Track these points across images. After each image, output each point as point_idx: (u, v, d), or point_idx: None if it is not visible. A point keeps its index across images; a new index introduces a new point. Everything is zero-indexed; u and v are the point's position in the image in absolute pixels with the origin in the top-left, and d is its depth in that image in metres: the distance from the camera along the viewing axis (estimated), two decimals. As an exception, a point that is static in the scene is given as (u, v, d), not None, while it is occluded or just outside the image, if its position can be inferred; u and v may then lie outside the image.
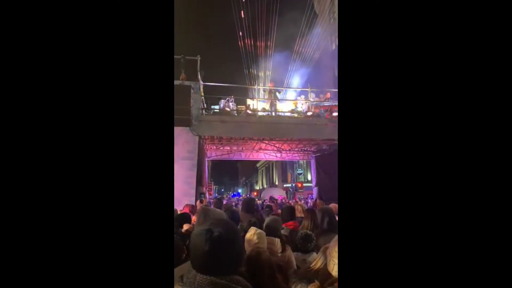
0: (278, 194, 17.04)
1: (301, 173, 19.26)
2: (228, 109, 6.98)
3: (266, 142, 8.40)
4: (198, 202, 5.37)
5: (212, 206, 4.06)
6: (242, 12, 10.91)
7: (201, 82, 6.69)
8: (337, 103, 7.54)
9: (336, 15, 14.85)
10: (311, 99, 7.52)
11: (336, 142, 7.74)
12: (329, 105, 7.52)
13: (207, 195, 7.66)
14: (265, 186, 27.17)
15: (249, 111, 7.06)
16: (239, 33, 11.56)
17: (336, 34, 15.45)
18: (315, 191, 9.33)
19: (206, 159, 9.21)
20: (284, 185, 21.04)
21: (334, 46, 15.88)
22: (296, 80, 12.38)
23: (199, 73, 6.62)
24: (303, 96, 7.99)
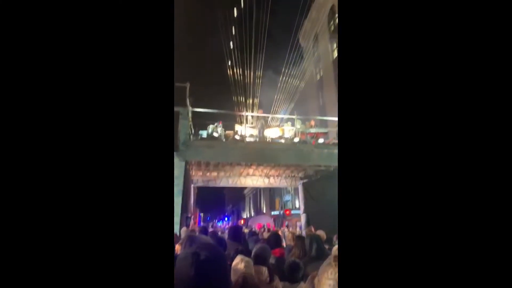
0: (266, 222, 16.65)
1: (288, 200, 19.03)
2: (216, 134, 7.01)
3: (254, 167, 8.39)
4: (184, 228, 5.15)
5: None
6: (231, 43, 11.44)
7: (190, 108, 6.77)
8: (322, 130, 7.78)
9: (319, 49, 15.96)
10: (298, 126, 7.72)
11: (323, 168, 7.84)
12: (315, 132, 7.72)
13: (192, 222, 7.37)
14: (252, 214, 26.50)
15: (236, 137, 7.11)
16: (228, 63, 12.01)
17: (320, 66, 16.43)
18: (303, 218, 9.21)
19: (192, 185, 9.00)
20: (272, 213, 20.64)
21: (318, 76, 16.77)
22: (282, 108, 12.78)
23: (187, 99, 6.72)
24: (289, 123, 8.20)
